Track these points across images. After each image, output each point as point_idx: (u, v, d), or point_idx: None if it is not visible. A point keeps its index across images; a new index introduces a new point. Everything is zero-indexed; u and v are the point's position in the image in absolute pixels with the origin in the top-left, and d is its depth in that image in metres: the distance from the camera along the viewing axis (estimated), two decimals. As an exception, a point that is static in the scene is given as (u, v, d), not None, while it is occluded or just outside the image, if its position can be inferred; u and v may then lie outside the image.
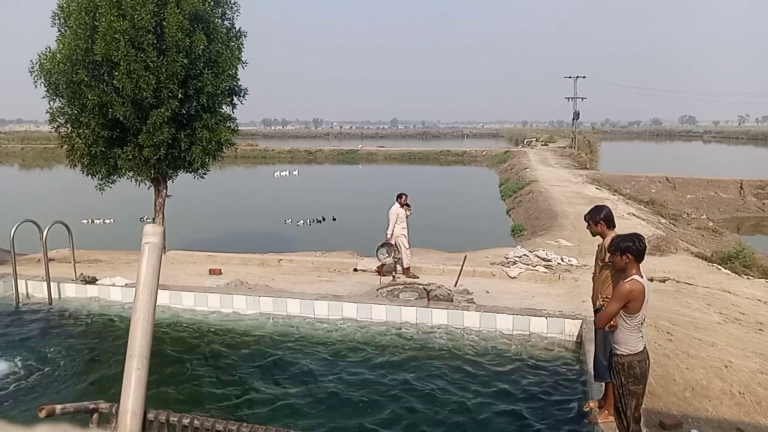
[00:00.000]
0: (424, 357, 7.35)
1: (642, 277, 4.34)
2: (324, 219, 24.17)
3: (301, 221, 23.73)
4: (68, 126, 12.05)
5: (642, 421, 4.55)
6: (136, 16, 10.83)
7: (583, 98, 56.77)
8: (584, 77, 57.45)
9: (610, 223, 5.36)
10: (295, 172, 48.15)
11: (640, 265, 4.38)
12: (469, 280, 10.33)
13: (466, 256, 11.30)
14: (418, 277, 10.73)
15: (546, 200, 22.44)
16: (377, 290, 9.80)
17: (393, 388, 6.49)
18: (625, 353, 4.36)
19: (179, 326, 8.57)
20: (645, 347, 4.45)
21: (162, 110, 11.30)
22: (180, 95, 11.47)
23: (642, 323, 4.40)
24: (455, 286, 9.91)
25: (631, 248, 4.30)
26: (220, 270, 11.31)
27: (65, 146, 12.35)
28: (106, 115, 11.39)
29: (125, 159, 11.84)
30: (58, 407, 3.98)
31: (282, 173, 47.41)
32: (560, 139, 75.51)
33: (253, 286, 10.12)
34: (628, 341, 4.36)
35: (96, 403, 4.10)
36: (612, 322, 4.37)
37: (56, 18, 11.68)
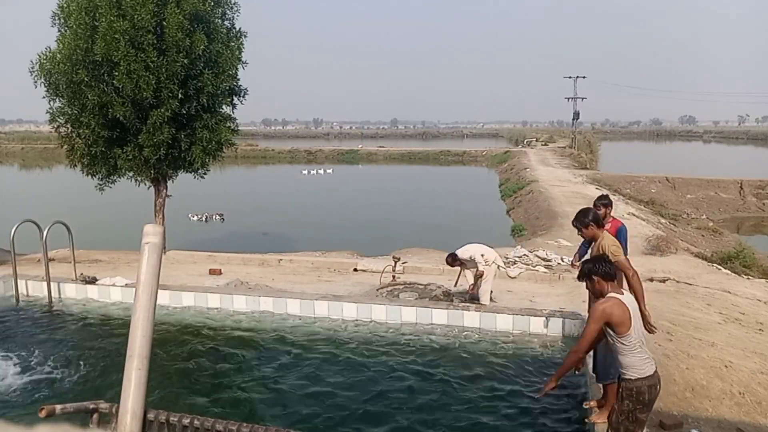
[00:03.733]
0: (424, 356, 7.35)
1: (622, 294, 4.08)
2: (213, 217, 25.00)
3: (195, 217, 24.49)
4: (68, 126, 12.05)
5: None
6: (136, 16, 10.83)
7: (583, 98, 56.77)
8: (584, 77, 57.43)
9: (599, 223, 5.37)
10: (330, 171, 49.30)
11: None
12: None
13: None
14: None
15: (546, 200, 22.44)
16: (377, 290, 9.81)
17: (393, 388, 6.49)
18: (633, 377, 3.99)
19: (179, 326, 8.56)
20: (656, 371, 4.10)
21: (162, 110, 11.30)
22: (180, 95, 11.47)
23: (643, 342, 4.07)
24: (455, 286, 9.91)
25: (591, 269, 4.17)
26: (220, 270, 11.30)
27: (65, 146, 12.35)
28: (106, 115, 11.39)
29: (125, 159, 11.84)
30: (58, 407, 3.99)
31: (319, 171, 48.76)
32: (560, 139, 75.48)
33: (254, 286, 10.12)
34: (634, 364, 4.01)
35: (96, 403, 4.10)
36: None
37: (56, 18, 11.68)
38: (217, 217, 24.92)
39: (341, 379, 6.76)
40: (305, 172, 48.11)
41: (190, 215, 24.22)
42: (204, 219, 24.53)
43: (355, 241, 17.71)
